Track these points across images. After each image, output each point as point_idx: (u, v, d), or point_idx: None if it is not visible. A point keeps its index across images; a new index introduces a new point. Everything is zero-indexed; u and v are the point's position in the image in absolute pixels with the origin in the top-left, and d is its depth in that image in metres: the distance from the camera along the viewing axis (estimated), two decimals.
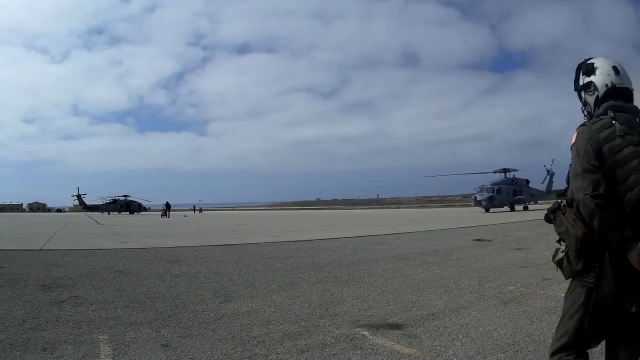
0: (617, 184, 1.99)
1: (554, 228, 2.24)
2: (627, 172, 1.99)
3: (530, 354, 3.62)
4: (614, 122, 2.08)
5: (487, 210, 41.21)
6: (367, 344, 4.00)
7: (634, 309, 2.00)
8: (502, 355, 3.63)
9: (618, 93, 2.19)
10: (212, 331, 4.45)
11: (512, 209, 42.62)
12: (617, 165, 2.00)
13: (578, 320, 2.09)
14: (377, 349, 3.85)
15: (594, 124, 2.12)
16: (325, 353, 3.78)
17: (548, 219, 2.31)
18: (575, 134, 2.15)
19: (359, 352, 3.79)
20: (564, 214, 2.16)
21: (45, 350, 3.84)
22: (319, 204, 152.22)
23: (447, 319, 4.75)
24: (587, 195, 1.97)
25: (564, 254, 2.14)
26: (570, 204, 2.12)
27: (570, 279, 2.18)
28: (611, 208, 1.95)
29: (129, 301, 5.81)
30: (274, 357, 3.72)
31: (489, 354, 3.67)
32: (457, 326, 4.48)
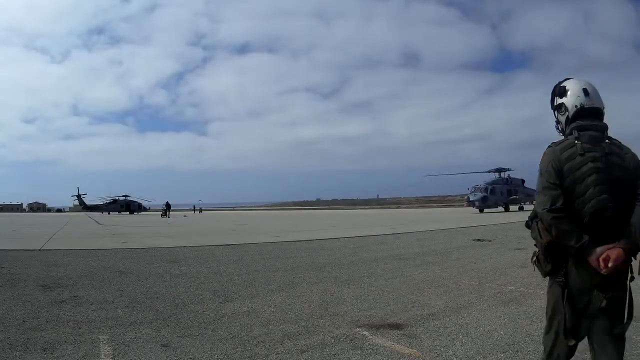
0: (577, 198, 2.21)
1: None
2: (585, 188, 2.20)
3: (530, 354, 3.62)
4: (576, 141, 2.28)
5: (481, 211, 40.37)
6: (367, 344, 4.00)
7: (604, 303, 2.19)
8: (502, 355, 3.64)
9: (587, 113, 2.38)
10: (212, 331, 4.45)
11: (507, 209, 41.68)
12: (577, 182, 2.22)
13: (560, 315, 2.29)
14: (377, 349, 3.85)
15: (558, 144, 2.34)
16: (325, 353, 3.78)
17: (528, 225, 2.50)
18: (542, 155, 2.36)
19: (359, 352, 3.79)
20: (536, 223, 2.37)
21: (45, 350, 3.84)
22: (319, 204, 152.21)
23: (447, 319, 4.75)
24: (545, 210, 2.23)
25: (535, 257, 2.40)
26: (535, 215, 2.38)
27: (547, 277, 2.41)
28: (569, 219, 2.19)
29: (129, 301, 5.81)
30: (274, 357, 3.72)
31: (489, 354, 3.67)
32: (457, 326, 4.48)
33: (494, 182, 43.65)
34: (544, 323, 2.44)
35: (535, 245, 2.41)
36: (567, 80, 2.51)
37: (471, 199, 41.96)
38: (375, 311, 5.20)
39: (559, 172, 2.24)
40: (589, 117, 2.37)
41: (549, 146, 2.37)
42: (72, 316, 5.00)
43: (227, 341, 4.11)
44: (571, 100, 2.43)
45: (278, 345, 3.98)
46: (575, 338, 2.28)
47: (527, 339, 3.98)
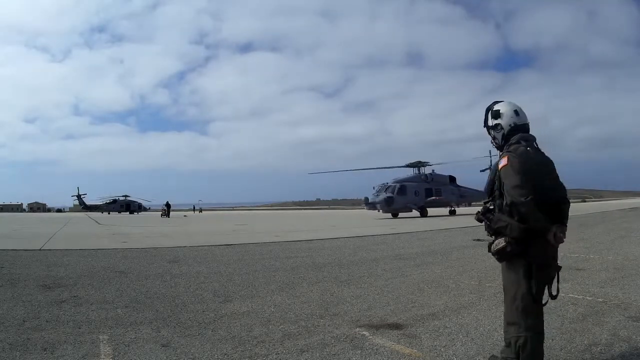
0: (540, 190, 2.80)
1: (485, 227, 3.02)
2: (546, 182, 2.87)
3: None
4: (528, 148, 2.94)
5: (394, 216, 33.84)
6: (367, 344, 4.00)
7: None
8: None
9: (519, 129, 3.07)
10: (212, 331, 4.45)
11: (423, 214, 34.32)
12: (539, 178, 2.84)
13: (526, 287, 2.85)
14: (377, 349, 3.85)
15: (516, 150, 2.93)
16: (325, 353, 3.78)
17: (479, 219, 3.07)
18: (506, 158, 2.91)
19: (359, 352, 3.79)
20: (496, 215, 2.92)
21: (45, 350, 3.85)
22: (318, 203, 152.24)
23: (447, 319, 4.75)
24: (527, 200, 2.75)
25: (506, 242, 2.85)
26: (501, 207, 2.91)
27: (504, 263, 2.98)
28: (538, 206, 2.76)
29: (129, 301, 5.81)
30: (274, 357, 3.72)
31: (489, 354, 3.66)
32: (457, 326, 4.48)
33: (405, 180, 35.85)
34: (511, 304, 2.93)
35: (493, 235, 2.95)
36: (499, 104, 3.16)
37: (370, 201, 34.16)
38: (375, 311, 5.19)
39: (528, 171, 2.82)
40: (521, 131, 3.05)
41: (508, 152, 2.95)
42: (72, 316, 5.00)
43: (227, 341, 4.12)
44: (506, 120, 3.08)
45: (278, 345, 3.98)
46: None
47: None
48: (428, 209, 35.88)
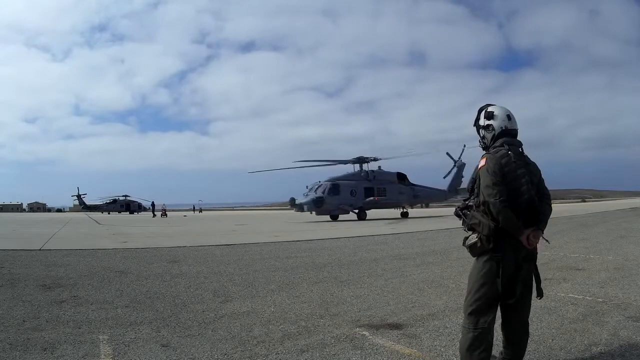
0: (514, 192, 2.92)
1: (462, 222, 3.17)
2: (520, 185, 2.93)
3: (530, 354, 3.63)
4: (509, 152, 3.02)
5: (334, 219, 30.66)
6: (367, 344, 4.00)
7: (531, 271, 3.07)
8: None
9: (508, 133, 3.16)
10: (212, 331, 4.45)
11: (361, 217, 30.45)
12: (514, 181, 2.94)
13: (491, 285, 2.96)
14: (377, 349, 3.85)
15: (496, 153, 3.05)
16: (325, 353, 3.78)
17: (458, 214, 3.23)
18: (484, 160, 3.05)
19: (359, 352, 3.79)
20: (482, 211, 3.00)
21: (45, 350, 3.85)
22: None
23: (447, 319, 4.76)
24: (497, 200, 2.88)
25: (477, 238, 3.01)
26: (478, 205, 3.03)
27: (475, 258, 3.09)
28: (510, 208, 2.88)
29: (129, 301, 5.81)
30: (274, 357, 3.72)
31: None
32: (457, 326, 4.47)
33: (341, 178, 31.87)
34: (471, 296, 3.06)
35: (470, 230, 3.09)
36: (493, 107, 3.25)
37: (297, 202, 30.49)
38: (375, 311, 5.20)
39: (502, 172, 2.94)
40: (509, 135, 3.15)
41: (487, 153, 3.10)
42: (72, 316, 5.00)
43: (227, 341, 4.12)
44: (498, 123, 3.17)
45: (278, 345, 3.98)
46: (512, 297, 3.00)
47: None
48: (370, 210, 32.40)
